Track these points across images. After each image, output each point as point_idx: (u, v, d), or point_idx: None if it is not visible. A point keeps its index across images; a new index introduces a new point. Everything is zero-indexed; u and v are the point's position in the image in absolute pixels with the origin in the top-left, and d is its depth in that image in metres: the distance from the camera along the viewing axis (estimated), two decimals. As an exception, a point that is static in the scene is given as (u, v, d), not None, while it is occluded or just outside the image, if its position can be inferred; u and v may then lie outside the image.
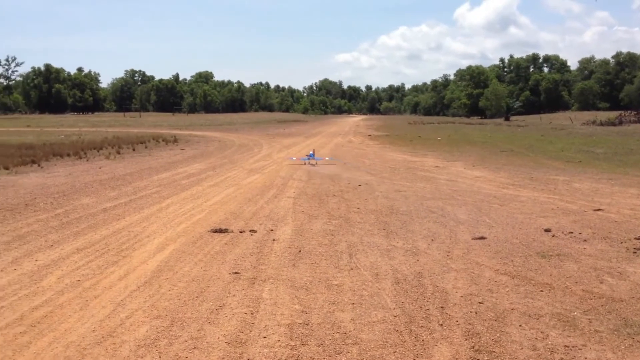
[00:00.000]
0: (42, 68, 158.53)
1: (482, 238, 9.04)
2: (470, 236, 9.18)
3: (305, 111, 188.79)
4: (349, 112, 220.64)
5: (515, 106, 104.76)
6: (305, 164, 20.29)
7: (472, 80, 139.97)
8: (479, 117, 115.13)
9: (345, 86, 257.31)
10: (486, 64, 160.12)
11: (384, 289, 6.56)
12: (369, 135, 43.48)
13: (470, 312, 5.88)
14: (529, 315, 5.79)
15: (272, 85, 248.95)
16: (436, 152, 26.45)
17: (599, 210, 11.34)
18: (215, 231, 9.44)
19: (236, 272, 7.14)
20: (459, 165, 20.57)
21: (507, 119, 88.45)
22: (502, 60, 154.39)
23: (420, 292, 6.48)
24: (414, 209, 11.57)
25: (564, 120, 69.17)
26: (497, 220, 10.48)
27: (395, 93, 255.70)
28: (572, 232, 9.38)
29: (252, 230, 9.54)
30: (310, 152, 21.69)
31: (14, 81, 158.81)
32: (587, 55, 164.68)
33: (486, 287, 6.64)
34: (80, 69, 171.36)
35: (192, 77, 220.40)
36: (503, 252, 8.23)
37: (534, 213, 11.14)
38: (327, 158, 22.31)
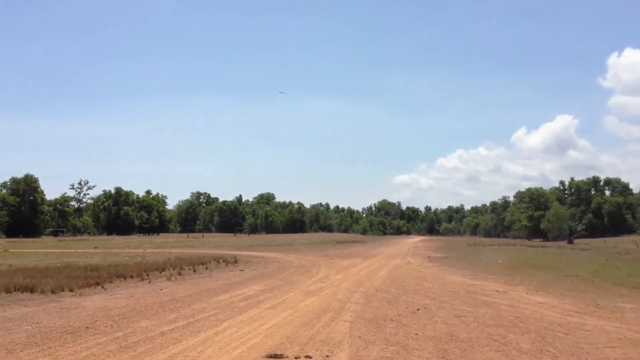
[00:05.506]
0: (113, 191, 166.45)
1: (547, 369, 8.64)
2: (534, 367, 8.78)
3: (364, 232, 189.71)
4: (408, 233, 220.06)
5: (578, 229, 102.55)
6: None
7: (533, 203, 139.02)
8: (541, 240, 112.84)
9: (404, 207, 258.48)
10: (546, 186, 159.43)
11: (442, 423, 6.30)
12: (428, 257, 42.99)
13: None
14: None
15: (332, 206, 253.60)
16: (497, 276, 25.78)
17: (673, 341, 10.72)
18: (271, 357, 9.37)
19: (290, 401, 7.03)
20: (521, 289, 19.95)
21: (570, 242, 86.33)
22: (562, 182, 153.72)
23: None
24: (475, 336, 11.22)
25: (629, 244, 66.31)
26: (562, 349, 10.03)
27: (454, 214, 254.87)
28: (644, 365, 8.88)
29: (308, 356, 9.42)
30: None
31: (84, 204, 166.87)
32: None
33: None
34: (148, 192, 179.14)
35: (254, 198, 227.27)
36: (569, 385, 7.82)
37: (600, 343, 10.61)
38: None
